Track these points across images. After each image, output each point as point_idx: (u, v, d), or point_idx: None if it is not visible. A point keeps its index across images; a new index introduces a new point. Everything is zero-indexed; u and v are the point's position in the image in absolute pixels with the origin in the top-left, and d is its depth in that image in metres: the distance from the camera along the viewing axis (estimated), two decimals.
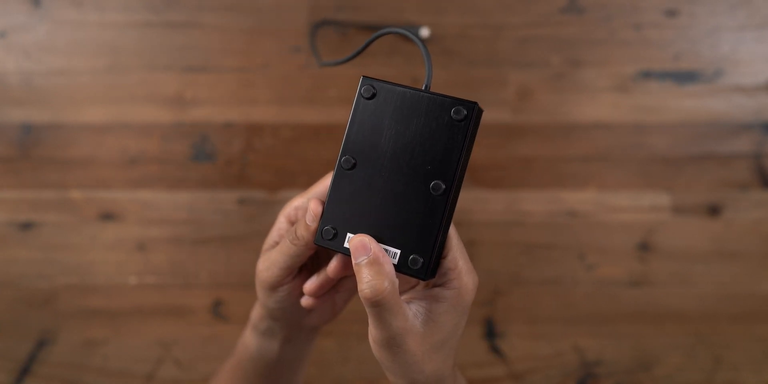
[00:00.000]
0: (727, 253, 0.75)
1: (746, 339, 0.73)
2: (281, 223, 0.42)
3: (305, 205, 0.41)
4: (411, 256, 0.37)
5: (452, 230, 0.38)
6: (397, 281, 0.36)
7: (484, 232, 0.75)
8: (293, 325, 0.46)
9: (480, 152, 0.75)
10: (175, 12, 0.76)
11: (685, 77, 0.75)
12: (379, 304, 0.35)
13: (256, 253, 0.42)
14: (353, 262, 0.36)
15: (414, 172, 0.37)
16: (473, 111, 0.35)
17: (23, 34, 0.76)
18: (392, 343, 0.36)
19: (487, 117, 0.75)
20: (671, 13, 0.75)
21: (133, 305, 0.74)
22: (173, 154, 0.75)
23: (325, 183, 0.41)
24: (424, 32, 0.73)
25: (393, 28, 0.38)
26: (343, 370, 0.73)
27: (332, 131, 0.75)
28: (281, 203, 0.75)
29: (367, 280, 0.35)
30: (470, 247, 0.74)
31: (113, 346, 0.73)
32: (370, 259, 0.35)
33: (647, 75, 0.75)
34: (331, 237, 0.38)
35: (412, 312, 0.37)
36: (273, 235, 0.43)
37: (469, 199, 0.75)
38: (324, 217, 0.38)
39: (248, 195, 0.75)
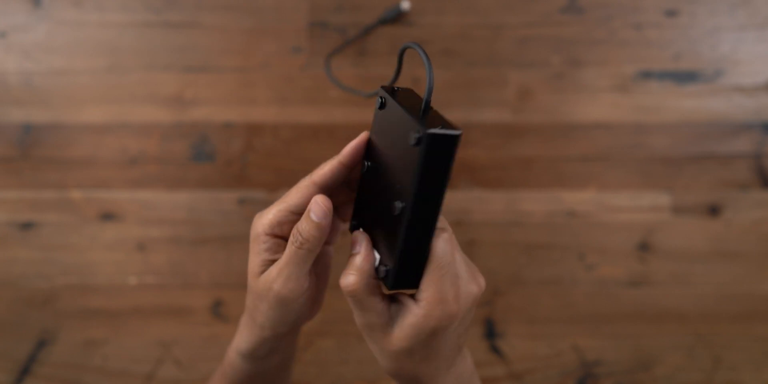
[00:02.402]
0: (727, 253, 0.75)
1: (746, 339, 0.73)
2: (262, 241, 0.40)
3: (283, 218, 0.40)
4: (380, 265, 0.38)
5: (440, 257, 0.37)
6: (372, 281, 0.38)
7: (483, 232, 0.75)
8: (281, 338, 0.44)
9: (480, 152, 0.75)
10: (175, 12, 0.76)
11: (685, 77, 0.75)
12: (350, 295, 0.38)
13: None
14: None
15: (391, 188, 0.37)
16: (422, 138, 0.32)
17: (23, 34, 0.76)
18: (366, 332, 0.39)
19: (487, 117, 0.75)
20: (671, 13, 0.75)
21: (133, 305, 0.74)
22: (173, 154, 0.75)
23: (295, 194, 0.40)
24: (405, 5, 0.72)
25: (410, 44, 0.37)
26: (343, 370, 0.73)
27: (332, 131, 0.75)
28: None
29: (345, 272, 0.38)
30: (470, 247, 0.75)
31: (113, 346, 0.73)
32: (354, 255, 0.38)
33: (647, 75, 0.75)
34: (352, 230, 0.42)
35: (389, 312, 0.38)
36: (258, 258, 0.40)
37: (469, 199, 0.75)
38: (354, 213, 0.42)
39: (248, 195, 0.75)
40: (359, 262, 0.38)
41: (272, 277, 0.40)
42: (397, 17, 0.59)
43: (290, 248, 0.39)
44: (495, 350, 0.73)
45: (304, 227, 0.38)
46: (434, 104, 0.76)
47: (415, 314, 0.37)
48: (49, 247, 0.75)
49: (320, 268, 0.45)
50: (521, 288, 0.74)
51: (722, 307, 0.74)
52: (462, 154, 0.75)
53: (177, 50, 0.75)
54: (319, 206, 0.38)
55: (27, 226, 0.75)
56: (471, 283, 0.39)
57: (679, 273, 0.75)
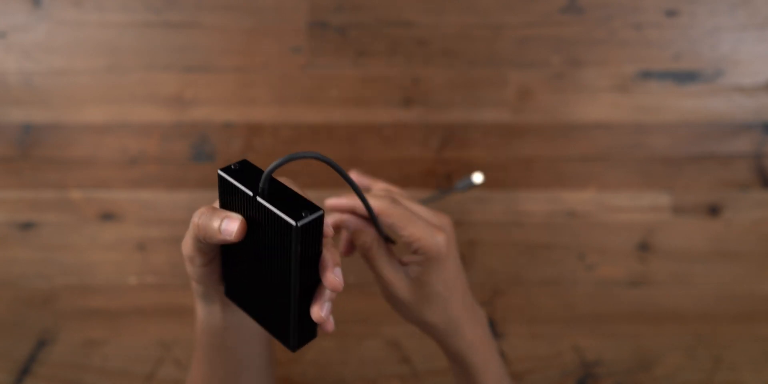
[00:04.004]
0: (727, 253, 0.75)
1: (746, 339, 0.73)
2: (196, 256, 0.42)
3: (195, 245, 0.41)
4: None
5: (392, 210, 0.45)
6: (381, 243, 0.47)
7: (483, 232, 0.75)
8: (221, 292, 0.46)
9: (480, 152, 0.75)
10: (175, 12, 0.76)
11: (685, 77, 0.75)
12: (366, 256, 0.46)
13: None
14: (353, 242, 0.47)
15: (266, 261, 0.39)
16: (294, 230, 0.34)
17: (23, 34, 0.76)
18: (387, 292, 0.47)
19: (487, 117, 0.75)
20: (671, 13, 0.75)
21: (133, 305, 0.74)
22: (173, 154, 0.75)
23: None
24: (478, 178, 0.60)
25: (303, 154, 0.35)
26: (343, 370, 0.73)
27: (332, 131, 0.75)
28: None
29: (358, 243, 0.46)
30: (470, 247, 0.75)
31: (113, 346, 0.73)
32: (354, 229, 0.47)
33: (647, 75, 0.75)
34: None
35: (402, 270, 0.46)
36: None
37: (469, 199, 0.75)
38: (225, 279, 0.43)
39: None
40: (363, 230, 0.47)
41: (184, 245, 0.41)
42: (468, 188, 0.60)
43: (191, 231, 0.40)
44: None
45: (211, 228, 0.38)
46: (434, 104, 0.76)
47: (416, 259, 0.45)
48: (49, 247, 0.75)
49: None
50: (521, 288, 0.74)
51: (722, 307, 0.74)
52: (462, 154, 0.75)
53: (177, 50, 0.75)
54: (227, 227, 0.37)
55: (27, 226, 0.75)
56: (437, 215, 0.47)
57: (679, 273, 0.75)
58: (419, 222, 0.45)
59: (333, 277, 0.36)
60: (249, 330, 0.49)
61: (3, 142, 0.75)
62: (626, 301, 0.74)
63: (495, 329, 0.74)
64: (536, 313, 0.74)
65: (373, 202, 0.45)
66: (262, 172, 0.36)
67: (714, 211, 0.75)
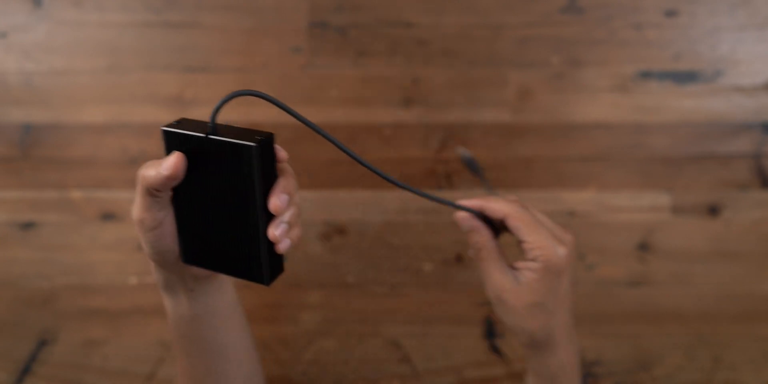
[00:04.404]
0: (727, 253, 0.75)
1: (745, 339, 0.73)
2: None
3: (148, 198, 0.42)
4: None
5: (521, 214, 0.46)
6: (494, 245, 0.48)
7: None
8: (184, 274, 0.46)
9: (480, 152, 0.75)
10: (175, 12, 0.76)
11: (685, 77, 0.75)
12: (478, 255, 0.48)
13: None
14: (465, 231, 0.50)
15: (226, 203, 0.41)
16: (253, 150, 0.37)
17: (24, 34, 0.76)
18: (497, 295, 0.47)
19: (487, 117, 0.75)
20: (671, 13, 0.75)
21: (133, 305, 0.74)
22: None
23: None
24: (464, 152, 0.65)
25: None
26: (344, 370, 0.73)
27: (332, 131, 0.75)
28: None
29: (472, 242, 0.49)
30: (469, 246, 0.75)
31: (113, 346, 0.73)
32: (469, 228, 0.49)
33: (647, 75, 0.75)
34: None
35: (512, 274, 0.47)
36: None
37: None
38: (182, 246, 0.43)
39: None
40: (480, 231, 0.48)
41: (134, 208, 0.43)
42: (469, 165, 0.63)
43: (138, 187, 0.41)
44: (495, 350, 0.73)
45: (150, 174, 0.40)
46: (434, 104, 0.76)
47: (533, 266, 0.46)
48: (50, 247, 0.75)
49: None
50: None
51: (722, 307, 0.74)
52: (462, 153, 0.75)
53: (177, 50, 0.76)
54: (166, 163, 0.39)
55: (27, 226, 0.75)
56: (562, 229, 0.48)
57: (679, 273, 0.75)
58: (544, 231, 0.46)
59: (275, 200, 0.39)
60: (220, 316, 0.49)
61: (3, 142, 0.75)
62: (626, 301, 0.74)
63: (495, 329, 0.74)
64: None
65: (503, 206, 0.47)
66: (203, 122, 0.40)
67: (714, 211, 0.75)
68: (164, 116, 0.75)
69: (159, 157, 0.40)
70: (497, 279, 0.47)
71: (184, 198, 0.41)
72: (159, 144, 0.75)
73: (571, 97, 0.75)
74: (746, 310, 0.74)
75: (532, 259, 0.46)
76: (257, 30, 0.76)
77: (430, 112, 0.75)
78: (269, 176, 0.39)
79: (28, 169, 0.75)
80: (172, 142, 0.39)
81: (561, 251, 0.46)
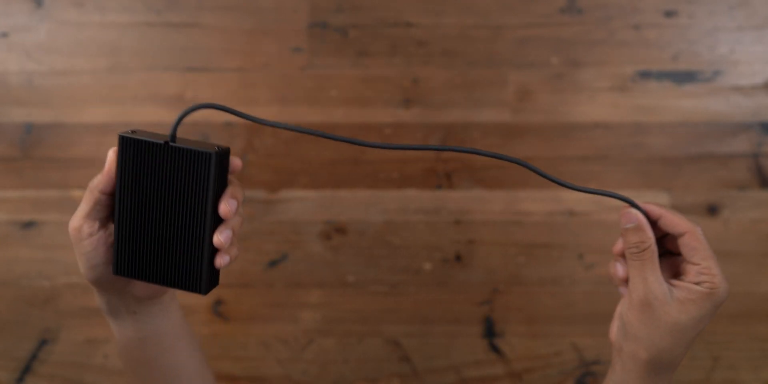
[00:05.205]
0: (726, 253, 0.75)
1: (744, 338, 0.74)
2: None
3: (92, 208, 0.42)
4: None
5: (701, 237, 0.46)
6: (656, 249, 0.46)
7: (483, 232, 0.75)
8: (125, 296, 0.46)
9: None
10: (176, 12, 0.76)
11: (684, 77, 0.75)
12: (639, 256, 0.46)
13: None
14: (623, 227, 0.47)
15: (177, 211, 0.42)
16: (212, 156, 0.40)
17: (25, 34, 0.76)
18: (645, 301, 0.45)
19: (487, 117, 0.76)
20: (670, 14, 0.76)
21: None
22: None
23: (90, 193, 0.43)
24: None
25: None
26: (344, 369, 0.73)
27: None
28: (281, 203, 0.75)
29: (635, 241, 0.46)
30: (469, 246, 0.75)
31: (114, 345, 0.73)
32: (641, 226, 0.46)
33: (646, 75, 0.75)
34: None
35: (667, 285, 0.46)
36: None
37: (469, 199, 0.75)
38: (116, 256, 0.43)
39: (248, 195, 0.75)
40: (647, 229, 0.46)
41: (72, 218, 0.43)
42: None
43: (85, 193, 0.42)
44: (494, 349, 0.74)
45: (94, 180, 0.42)
46: (434, 104, 0.76)
47: (695, 289, 0.45)
48: (51, 246, 0.75)
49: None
50: (520, 287, 0.75)
51: (721, 306, 0.74)
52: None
53: (178, 50, 0.76)
54: (108, 159, 0.41)
55: (28, 225, 0.75)
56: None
57: None
58: (716, 261, 0.46)
59: (225, 204, 0.41)
60: (167, 338, 0.49)
61: (5, 142, 0.76)
62: None
63: (494, 328, 0.74)
64: (535, 313, 0.74)
65: (686, 222, 0.47)
66: (156, 133, 0.41)
67: (712, 210, 0.75)
68: (165, 116, 0.75)
69: None
70: (652, 283, 0.46)
71: (130, 205, 0.42)
72: None
73: (571, 97, 0.75)
74: (745, 310, 0.74)
75: (697, 283, 0.45)
76: (258, 30, 0.76)
77: (430, 112, 0.75)
78: (221, 185, 0.41)
79: (30, 168, 0.76)
80: (127, 148, 0.40)
81: (726, 287, 0.46)
